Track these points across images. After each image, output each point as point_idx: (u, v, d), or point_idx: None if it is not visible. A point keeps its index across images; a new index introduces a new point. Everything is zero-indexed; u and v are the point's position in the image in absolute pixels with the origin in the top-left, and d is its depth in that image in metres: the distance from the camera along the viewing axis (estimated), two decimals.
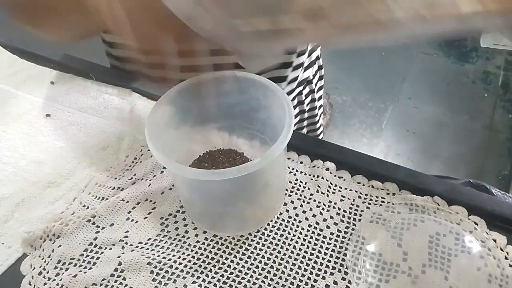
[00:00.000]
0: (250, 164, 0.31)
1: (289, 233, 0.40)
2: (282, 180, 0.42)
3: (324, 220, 0.41)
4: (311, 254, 0.38)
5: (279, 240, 0.39)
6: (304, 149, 0.47)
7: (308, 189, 0.44)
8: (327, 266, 0.37)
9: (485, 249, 0.37)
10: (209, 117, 0.43)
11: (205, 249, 0.39)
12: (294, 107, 0.66)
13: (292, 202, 0.43)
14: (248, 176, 0.31)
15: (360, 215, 0.41)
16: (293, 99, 0.64)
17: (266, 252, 0.39)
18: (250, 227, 0.40)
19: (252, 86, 0.40)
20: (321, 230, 0.40)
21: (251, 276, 0.37)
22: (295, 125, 0.58)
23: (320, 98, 0.72)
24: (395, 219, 0.40)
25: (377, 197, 0.43)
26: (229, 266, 0.38)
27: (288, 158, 0.47)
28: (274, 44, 0.30)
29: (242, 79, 0.40)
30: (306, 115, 0.70)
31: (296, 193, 0.43)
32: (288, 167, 0.46)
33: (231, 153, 0.44)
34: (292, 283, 0.36)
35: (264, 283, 0.36)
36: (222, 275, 0.37)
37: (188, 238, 0.40)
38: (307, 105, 0.68)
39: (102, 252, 0.39)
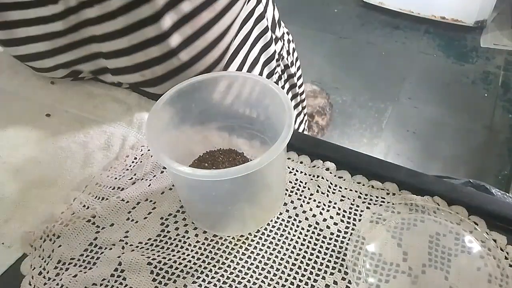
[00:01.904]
0: (250, 164, 0.31)
1: (289, 233, 0.40)
2: (282, 180, 0.42)
3: (324, 220, 0.41)
4: (311, 254, 0.38)
5: (279, 240, 0.39)
6: (304, 149, 0.47)
7: (308, 189, 0.44)
8: (327, 266, 0.37)
9: (485, 249, 0.37)
10: (209, 117, 0.43)
11: (205, 249, 0.39)
12: None
13: (292, 202, 0.43)
14: (248, 176, 0.31)
15: (360, 215, 0.41)
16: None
17: (266, 252, 0.39)
18: (250, 227, 0.40)
19: (252, 86, 0.40)
20: (321, 230, 0.40)
21: (251, 276, 0.37)
22: None
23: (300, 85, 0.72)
24: (395, 219, 0.40)
25: (377, 197, 0.43)
26: (229, 266, 0.38)
27: (288, 158, 0.47)
28: None
29: (242, 79, 0.40)
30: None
31: (296, 193, 0.43)
32: (288, 167, 0.46)
33: (231, 153, 0.44)
34: (292, 283, 0.36)
35: (264, 283, 0.36)
36: (222, 275, 0.37)
37: (188, 238, 0.40)
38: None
39: (102, 252, 0.39)
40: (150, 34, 0.44)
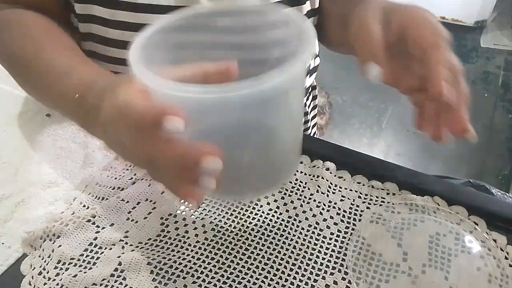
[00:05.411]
0: (260, 77, 0.25)
1: (289, 233, 0.40)
2: (298, 124, 0.34)
3: (324, 220, 0.41)
4: (311, 254, 0.38)
5: (279, 240, 0.39)
6: (304, 149, 0.47)
7: (308, 189, 0.44)
8: (327, 266, 0.37)
9: (485, 249, 0.37)
10: (206, 56, 0.35)
11: (205, 249, 0.39)
12: None
13: (292, 202, 0.43)
14: (264, 102, 0.26)
15: (360, 215, 0.41)
16: None
17: (266, 252, 0.39)
18: (259, 188, 0.33)
19: (261, 19, 0.33)
20: (321, 230, 0.40)
21: (251, 276, 0.37)
22: None
23: (314, 107, 0.72)
24: (395, 219, 0.40)
25: (377, 197, 0.43)
26: (229, 266, 0.38)
27: None
28: None
29: (248, 13, 0.33)
30: None
31: (296, 193, 0.43)
32: None
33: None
34: (292, 283, 0.36)
35: (264, 283, 0.36)
36: (222, 275, 0.37)
37: (188, 238, 0.40)
38: None
39: (102, 252, 0.39)
40: None
